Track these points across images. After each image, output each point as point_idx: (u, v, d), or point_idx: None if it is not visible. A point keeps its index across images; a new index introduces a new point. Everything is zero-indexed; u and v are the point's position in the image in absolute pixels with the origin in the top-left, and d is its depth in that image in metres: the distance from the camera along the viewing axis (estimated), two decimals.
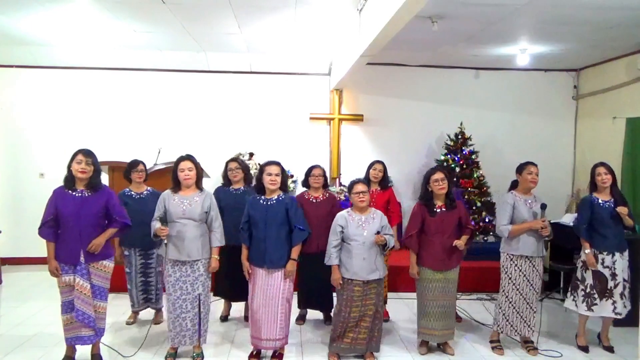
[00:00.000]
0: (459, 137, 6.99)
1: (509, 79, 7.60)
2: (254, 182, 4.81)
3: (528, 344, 4.32)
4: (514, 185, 4.41)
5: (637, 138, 6.13)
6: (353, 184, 4.03)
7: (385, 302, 5.05)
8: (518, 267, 4.22)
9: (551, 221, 6.44)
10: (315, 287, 4.64)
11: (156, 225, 3.86)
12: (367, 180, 4.99)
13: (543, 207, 4.18)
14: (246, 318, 4.93)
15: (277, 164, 3.97)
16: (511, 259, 4.24)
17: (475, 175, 6.78)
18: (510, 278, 4.24)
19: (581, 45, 6.16)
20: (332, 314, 4.29)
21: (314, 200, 4.67)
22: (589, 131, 7.39)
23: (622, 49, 6.27)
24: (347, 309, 3.93)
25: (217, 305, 5.13)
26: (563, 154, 7.71)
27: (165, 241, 3.86)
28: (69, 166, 3.70)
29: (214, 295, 4.98)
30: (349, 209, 4.07)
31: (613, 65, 6.79)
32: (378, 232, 3.88)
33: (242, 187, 4.84)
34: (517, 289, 4.21)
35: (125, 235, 4.26)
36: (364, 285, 3.91)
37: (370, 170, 5.03)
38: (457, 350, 4.29)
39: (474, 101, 7.58)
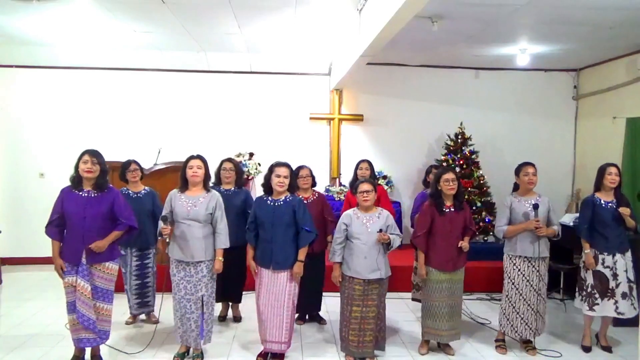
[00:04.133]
0: (459, 137, 6.99)
1: (509, 79, 7.60)
2: (248, 182, 4.81)
3: (527, 344, 4.32)
4: (516, 188, 4.42)
5: (637, 138, 6.13)
6: (359, 183, 4.06)
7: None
8: (517, 267, 4.22)
9: None
10: (306, 288, 4.50)
11: (161, 224, 3.86)
12: (354, 181, 5.01)
13: (535, 207, 4.16)
14: (235, 319, 4.98)
15: (287, 165, 3.95)
16: (511, 259, 4.25)
17: (475, 175, 6.78)
18: (510, 278, 4.25)
19: (581, 45, 6.16)
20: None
21: (305, 202, 4.65)
22: (589, 131, 7.39)
23: (622, 49, 6.27)
24: (349, 308, 3.94)
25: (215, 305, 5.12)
26: (563, 154, 7.71)
27: (168, 240, 3.85)
28: (76, 166, 3.71)
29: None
30: (356, 207, 4.09)
31: (613, 65, 6.79)
32: (380, 230, 3.89)
33: (233, 188, 4.79)
34: (517, 289, 4.21)
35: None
36: (364, 284, 3.91)
37: (357, 171, 5.06)
38: (457, 350, 4.30)
39: (474, 101, 7.59)
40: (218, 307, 5.07)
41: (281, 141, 7.45)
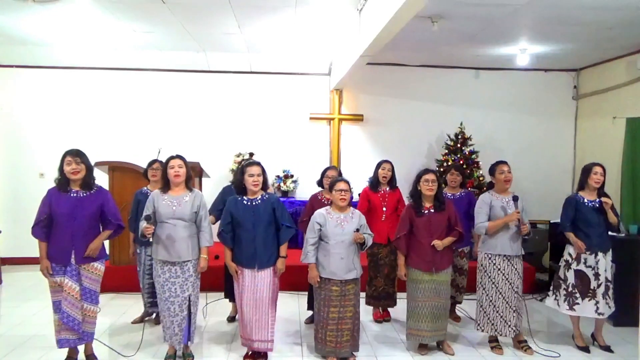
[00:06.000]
0: (459, 137, 7.00)
1: (509, 79, 7.59)
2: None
3: (523, 344, 4.32)
4: (490, 186, 4.45)
5: (637, 138, 6.12)
6: (335, 181, 4.03)
7: (395, 303, 5.04)
8: (497, 266, 4.22)
9: (551, 221, 6.51)
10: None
11: (143, 224, 3.82)
12: (376, 181, 4.98)
13: (515, 199, 4.17)
14: (232, 319, 4.96)
15: (258, 164, 3.97)
16: (490, 258, 4.25)
17: (475, 175, 6.79)
18: (489, 277, 4.24)
19: (581, 45, 6.16)
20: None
21: (326, 202, 4.66)
22: (589, 131, 7.39)
23: (622, 49, 6.26)
24: (326, 309, 3.92)
25: (225, 306, 5.11)
26: (563, 154, 7.71)
27: (151, 239, 3.80)
28: (61, 169, 3.69)
29: (225, 297, 4.96)
30: (328, 207, 4.07)
31: (613, 65, 6.78)
32: (357, 230, 3.89)
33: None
34: (497, 288, 4.21)
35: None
36: (341, 284, 3.90)
37: (379, 170, 4.99)
38: (457, 350, 4.29)
39: (474, 101, 7.58)
40: (228, 308, 5.07)
41: (281, 141, 7.45)
